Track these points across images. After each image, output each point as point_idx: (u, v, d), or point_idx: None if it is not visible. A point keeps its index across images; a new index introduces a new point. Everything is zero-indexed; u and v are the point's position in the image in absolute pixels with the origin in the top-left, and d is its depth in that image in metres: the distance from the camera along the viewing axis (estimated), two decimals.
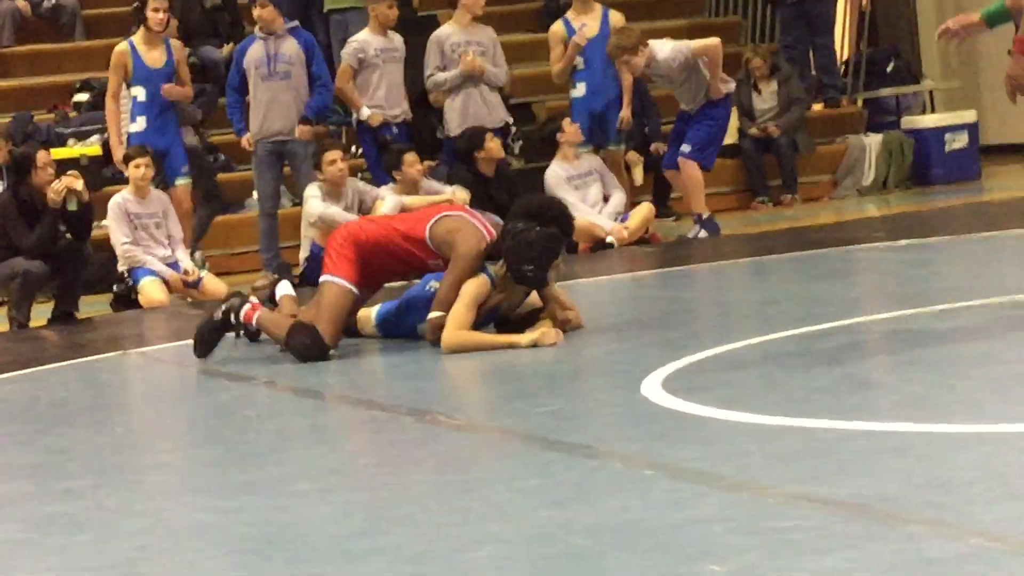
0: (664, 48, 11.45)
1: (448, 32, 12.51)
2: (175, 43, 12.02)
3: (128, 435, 6.35)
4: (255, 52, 11.86)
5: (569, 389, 6.45)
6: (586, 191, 11.90)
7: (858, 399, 5.27)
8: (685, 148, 11.84)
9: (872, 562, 3.37)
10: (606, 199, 11.99)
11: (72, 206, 10.24)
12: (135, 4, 11.92)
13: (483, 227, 7.31)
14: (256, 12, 11.85)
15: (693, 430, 5.02)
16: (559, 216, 7.34)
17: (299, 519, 4.49)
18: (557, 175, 11.81)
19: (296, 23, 12.16)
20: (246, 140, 11.87)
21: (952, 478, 4.08)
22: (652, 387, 5.70)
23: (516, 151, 12.94)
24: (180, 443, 6.18)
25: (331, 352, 7.28)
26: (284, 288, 8.01)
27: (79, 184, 10.29)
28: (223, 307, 7.66)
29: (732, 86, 12.01)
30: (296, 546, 4.16)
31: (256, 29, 11.94)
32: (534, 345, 6.97)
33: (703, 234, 11.86)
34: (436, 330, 7.13)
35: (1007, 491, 3.89)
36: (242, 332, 7.72)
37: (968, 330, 6.71)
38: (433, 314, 7.16)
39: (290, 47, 11.81)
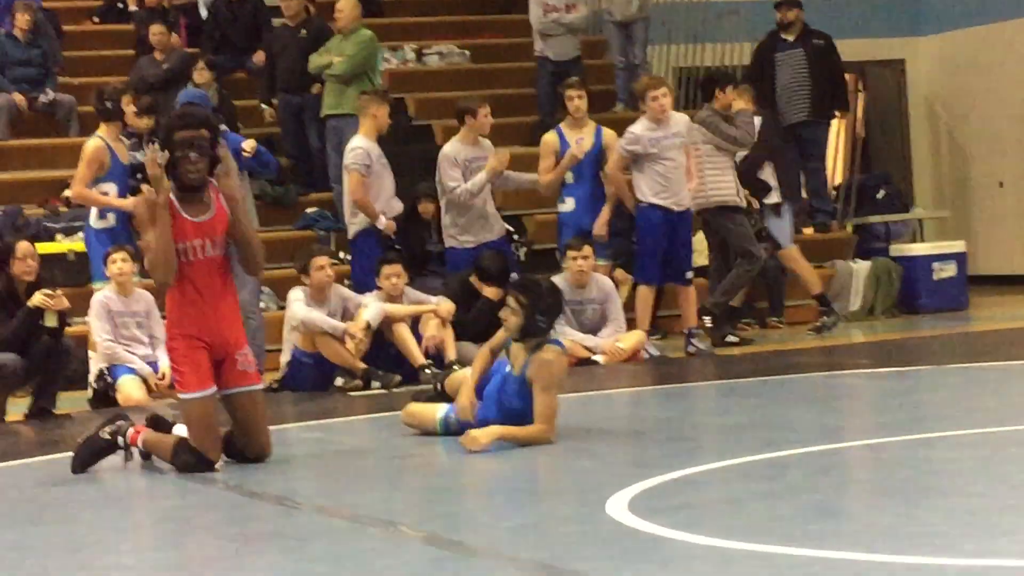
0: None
1: (457, 148, 12.42)
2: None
3: (90, 535, 6.29)
4: None
5: (535, 505, 6.41)
6: (581, 317, 11.85)
7: (821, 527, 5.22)
8: (690, 275, 12.20)
9: None
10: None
11: (51, 323, 10.31)
12: (106, 100, 11.82)
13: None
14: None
15: (652, 551, 4.98)
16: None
17: None
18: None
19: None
20: None
21: None
22: (617, 506, 5.68)
23: (521, 257, 12.96)
24: (141, 545, 6.12)
25: (217, 465, 7.28)
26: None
27: (62, 304, 10.37)
28: (109, 429, 7.62)
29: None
30: None
31: None
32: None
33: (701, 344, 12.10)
34: None
35: None
36: (130, 453, 7.63)
37: (941, 461, 6.72)
38: None
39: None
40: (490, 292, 11.47)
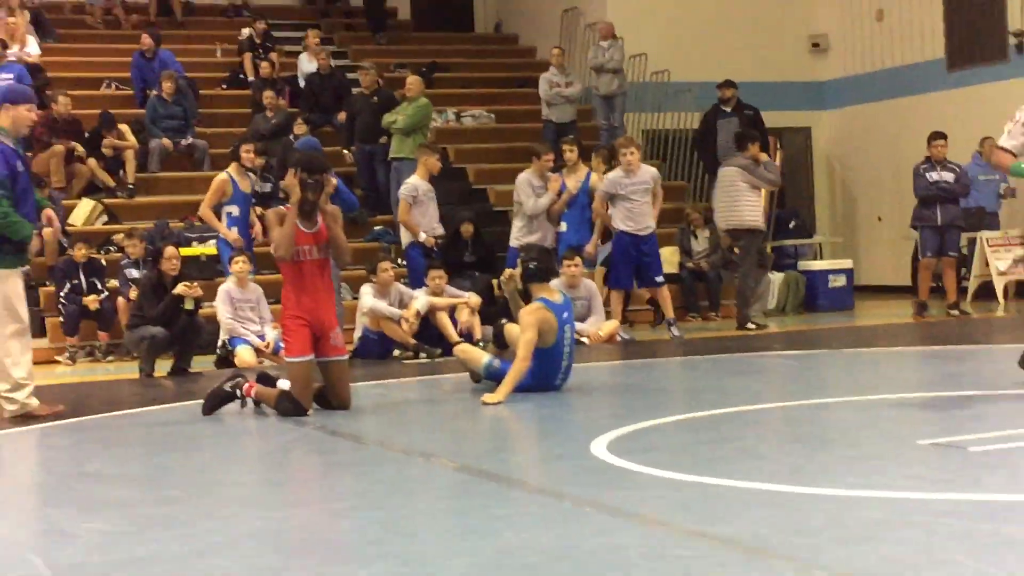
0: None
1: (530, 177, 12.39)
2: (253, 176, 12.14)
3: (214, 459, 6.32)
4: None
5: (539, 445, 6.42)
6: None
7: (748, 465, 5.22)
8: (658, 277, 12.08)
9: None
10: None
11: (189, 306, 10.43)
12: (232, 145, 12.08)
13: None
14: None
15: (624, 479, 4.98)
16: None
17: (330, 529, 4.47)
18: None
19: None
20: None
21: (808, 527, 4.06)
22: (599, 447, 5.68)
23: None
24: (253, 467, 6.15)
25: (308, 412, 7.30)
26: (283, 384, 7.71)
27: (197, 293, 10.48)
28: (229, 383, 7.66)
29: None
30: (326, 548, 4.14)
31: None
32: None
33: (676, 331, 12.01)
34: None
35: (848, 537, 3.88)
36: (245, 401, 7.65)
37: (835, 419, 6.70)
38: None
39: None
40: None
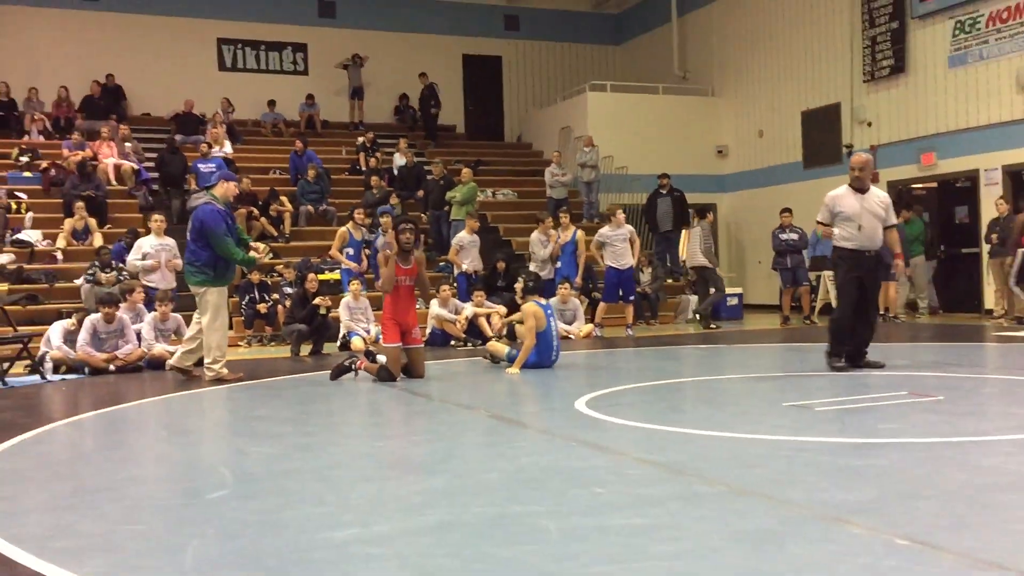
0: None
1: (538, 236, 12.39)
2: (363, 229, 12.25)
3: (338, 408, 6.30)
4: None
5: (542, 401, 6.37)
6: (564, 316, 11.59)
7: (675, 417, 5.21)
8: (631, 296, 11.92)
9: (658, 495, 3.34)
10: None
11: (323, 311, 10.45)
12: (350, 211, 12.12)
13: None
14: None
15: (596, 425, 4.97)
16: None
17: (411, 452, 4.47)
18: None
19: None
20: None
21: (713, 457, 4.05)
22: (580, 404, 5.68)
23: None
24: (361, 414, 6.12)
25: (398, 379, 7.33)
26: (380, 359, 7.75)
27: (328, 302, 10.49)
28: (347, 360, 7.66)
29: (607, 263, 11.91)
30: (408, 465, 4.13)
31: None
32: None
33: (631, 332, 11.84)
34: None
35: (740, 464, 3.86)
36: (357, 372, 7.65)
37: (732, 388, 6.61)
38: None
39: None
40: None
